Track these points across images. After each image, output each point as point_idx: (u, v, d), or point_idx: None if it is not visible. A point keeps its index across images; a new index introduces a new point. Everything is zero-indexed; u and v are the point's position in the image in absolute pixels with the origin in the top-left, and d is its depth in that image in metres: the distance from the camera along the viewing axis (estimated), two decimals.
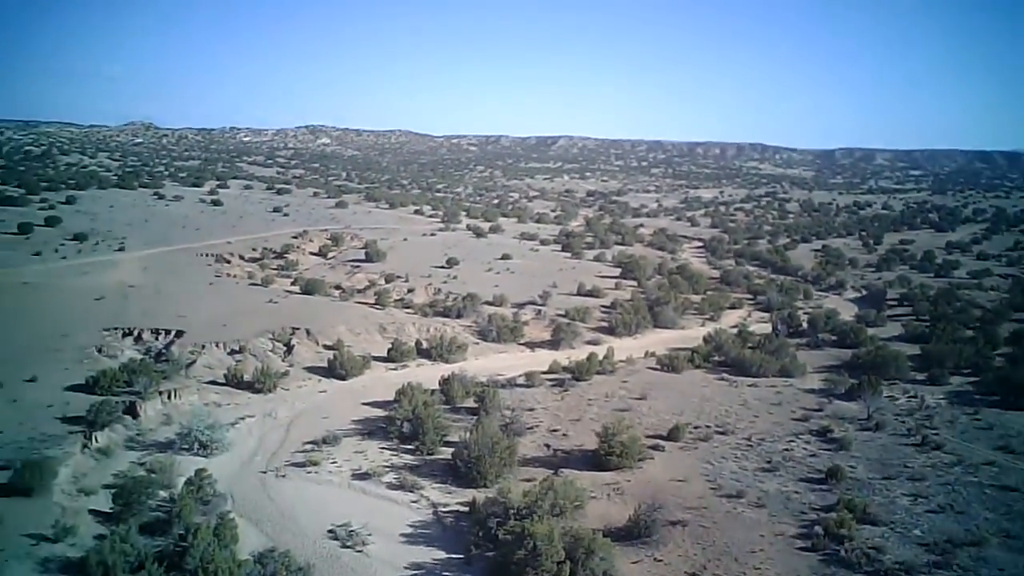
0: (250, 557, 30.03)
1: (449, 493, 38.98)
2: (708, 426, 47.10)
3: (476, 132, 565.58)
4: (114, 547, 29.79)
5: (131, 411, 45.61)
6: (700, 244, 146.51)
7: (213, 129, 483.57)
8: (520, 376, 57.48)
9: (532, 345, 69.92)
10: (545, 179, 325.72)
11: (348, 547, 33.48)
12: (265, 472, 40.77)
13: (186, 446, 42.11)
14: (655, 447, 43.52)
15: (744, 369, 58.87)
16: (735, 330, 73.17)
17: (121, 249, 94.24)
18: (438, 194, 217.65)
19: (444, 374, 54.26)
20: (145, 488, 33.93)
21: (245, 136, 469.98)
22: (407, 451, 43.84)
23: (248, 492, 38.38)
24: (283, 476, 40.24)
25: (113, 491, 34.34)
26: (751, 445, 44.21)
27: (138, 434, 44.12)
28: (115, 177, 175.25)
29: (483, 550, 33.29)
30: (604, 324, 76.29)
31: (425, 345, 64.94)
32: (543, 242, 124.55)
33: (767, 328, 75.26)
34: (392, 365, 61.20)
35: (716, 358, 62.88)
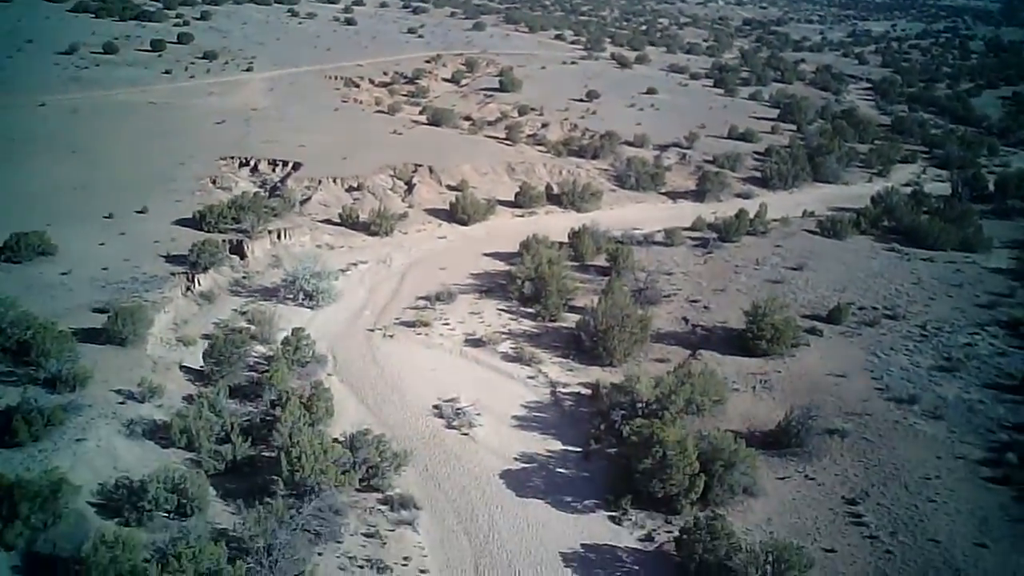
0: (341, 438, 26.85)
1: (570, 371, 34.79)
2: (875, 308, 40.55)
3: None
4: (200, 414, 27.24)
5: (238, 251, 43.00)
6: (868, 85, 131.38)
7: None
8: (659, 231, 51.75)
9: (674, 195, 63.44)
10: (698, 4, 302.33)
11: (453, 428, 30.11)
12: (372, 330, 37.58)
13: (291, 295, 39.26)
14: (811, 330, 37.65)
15: (918, 239, 51.12)
16: (908, 190, 63.94)
17: (249, 69, 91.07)
18: (582, 17, 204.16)
19: (574, 226, 49.06)
20: (238, 346, 31.07)
21: None
22: (527, 315, 39.68)
23: (352, 353, 35.32)
24: (391, 336, 36.96)
25: (204, 348, 31.57)
26: (926, 335, 37.70)
27: (244, 277, 41.61)
28: None
29: (604, 446, 29.26)
30: (756, 174, 68.46)
31: (556, 190, 59.59)
32: (693, 76, 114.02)
33: (945, 189, 65.81)
34: (519, 211, 56.45)
35: (885, 223, 54.85)
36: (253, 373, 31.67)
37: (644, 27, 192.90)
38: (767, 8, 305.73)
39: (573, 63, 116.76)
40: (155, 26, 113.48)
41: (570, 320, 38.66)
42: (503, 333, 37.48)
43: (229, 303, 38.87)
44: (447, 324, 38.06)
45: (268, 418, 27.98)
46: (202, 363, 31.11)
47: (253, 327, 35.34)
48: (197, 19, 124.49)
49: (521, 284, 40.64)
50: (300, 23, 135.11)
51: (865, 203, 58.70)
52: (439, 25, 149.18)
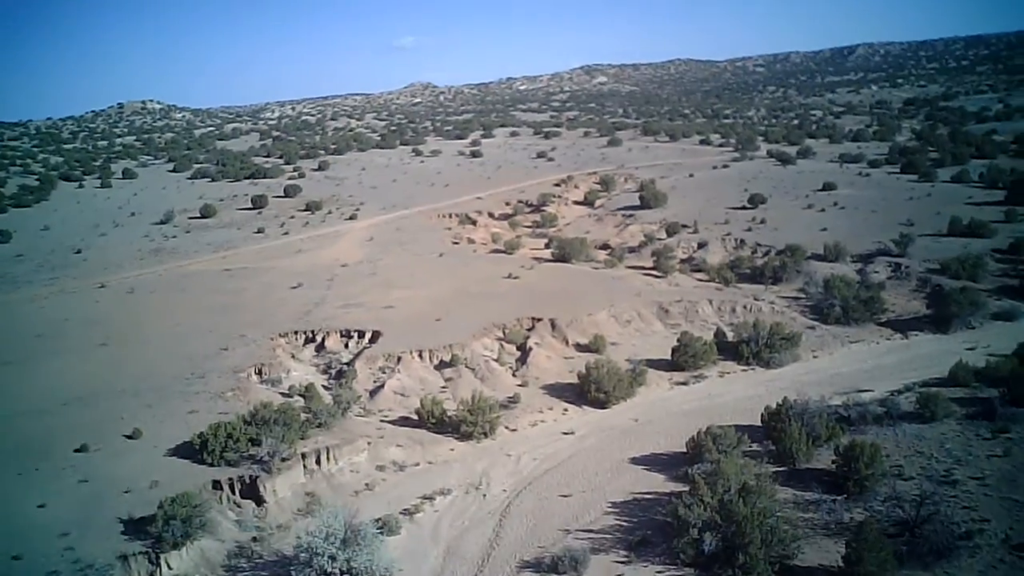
0: None
1: None
2: None
3: (762, 52, 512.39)
4: None
5: (252, 493, 28.11)
6: None
7: (490, 82, 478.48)
8: (900, 393, 33.42)
9: (899, 324, 44.65)
10: (849, 92, 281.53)
11: None
12: None
13: None
14: None
15: None
16: None
17: (352, 217, 79.91)
18: (726, 120, 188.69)
19: (768, 403, 31.63)
20: None
21: (520, 85, 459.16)
22: None
23: None
24: None
25: None
26: None
27: (255, 539, 26.38)
28: (378, 137, 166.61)
29: None
30: (1010, 281, 48.81)
31: (730, 335, 42.34)
32: (872, 164, 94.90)
33: None
34: (679, 376, 39.36)
35: None
36: None
37: (796, 121, 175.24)
38: (926, 87, 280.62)
39: (725, 167, 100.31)
40: (267, 182, 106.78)
41: None
42: None
43: None
44: None
45: None
46: None
47: None
48: (315, 170, 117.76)
49: (698, 535, 23.40)
50: (422, 162, 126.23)
51: None
52: (571, 147, 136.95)
